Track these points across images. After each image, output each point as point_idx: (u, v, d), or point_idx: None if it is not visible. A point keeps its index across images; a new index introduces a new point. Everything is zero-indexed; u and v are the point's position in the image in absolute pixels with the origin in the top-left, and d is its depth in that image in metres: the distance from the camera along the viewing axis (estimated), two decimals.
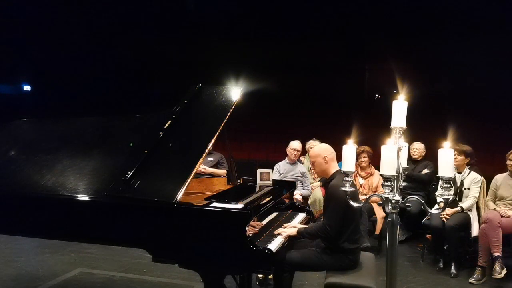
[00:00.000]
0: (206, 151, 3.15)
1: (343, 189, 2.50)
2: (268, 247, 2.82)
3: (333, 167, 3.34)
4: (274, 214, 3.57)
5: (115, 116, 3.73)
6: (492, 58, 10.43)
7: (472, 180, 4.84)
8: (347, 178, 2.48)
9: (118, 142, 3.44)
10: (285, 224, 3.41)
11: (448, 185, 2.26)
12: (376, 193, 4.37)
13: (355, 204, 2.54)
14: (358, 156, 5.51)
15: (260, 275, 4.15)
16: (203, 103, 3.50)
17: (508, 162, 4.69)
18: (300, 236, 3.28)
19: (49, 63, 13.04)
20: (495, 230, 4.43)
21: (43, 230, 3.16)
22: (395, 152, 2.34)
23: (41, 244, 5.27)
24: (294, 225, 3.40)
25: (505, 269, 4.33)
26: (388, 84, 10.95)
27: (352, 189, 2.52)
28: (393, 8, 10.54)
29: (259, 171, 4.29)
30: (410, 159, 5.79)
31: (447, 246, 4.81)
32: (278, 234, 3.20)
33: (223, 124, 3.25)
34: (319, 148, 3.42)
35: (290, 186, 4.19)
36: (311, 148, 6.04)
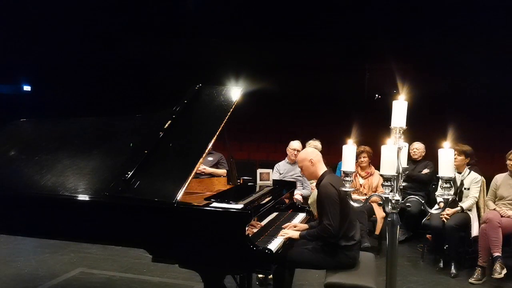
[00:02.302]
0: (206, 151, 3.15)
1: (343, 189, 2.50)
2: (268, 247, 2.82)
3: (321, 169, 3.39)
4: (274, 214, 3.57)
5: (115, 116, 3.73)
6: (492, 58, 10.44)
7: (472, 180, 4.84)
8: (347, 178, 2.48)
9: (118, 142, 3.43)
10: (286, 224, 3.41)
11: (448, 185, 2.26)
12: (376, 193, 4.38)
13: (355, 204, 2.54)
14: (358, 156, 5.51)
15: (260, 275, 4.15)
16: (203, 103, 3.50)
17: (508, 162, 4.69)
18: (301, 239, 3.28)
19: (49, 63, 13.04)
20: (495, 230, 4.43)
21: (43, 230, 3.16)
22: (395, 152, 2.34)
23: (41, 244, 5.27)
24: (295, 224, 3.41)
25: (505, 269, 4.33)
26: (388, 84, 10.95)
27: (352, 189, 2.52)
28: (393, 8, 10.54)
29: (259, 171, 4.29)
30: (410, 159, 5.79)
31: (447, 246, 4.81)
32: (279, 235, 3.20)
33: (223, 124, 3.25)
34: (305, 153, 3.50)
35: (290, 186, 4.19)
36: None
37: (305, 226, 3.48)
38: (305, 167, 3.43)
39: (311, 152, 3.47)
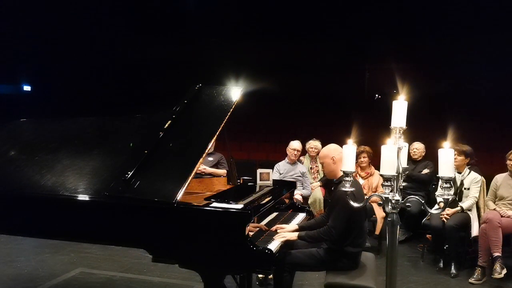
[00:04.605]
0: (206, 151, 3.15)
1: (343, 188, 2.50)
2: (268, 247, 2.82)
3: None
4: (274, 214, 3.57)
5: (115, 116, 3.73)
6: (492, 58, 10.44)
7: (472, 180, 4.83)
8: (347, 178, 2.48)
9: (118, 142, 3.43)
10: (282, 225, 3.34)
11: (448, 185, 2.26)
12: (376, 193, 4.38)
13: (355, 204, 2.54)
14: (358, 156, 5.51)
15: (260, 275, 4.15)
16: (203, 103, 3.50)
17: (508, 162, 4.69)
18: (300, 240, 3.25)
19: (49, 63, 13.04)
20: (495, 230, 4.43)
21: (43, 230, 3.16)
22: (395, 152, 2.34)
23: (41, 244, 5.27)
24: (282, 226, 3.31)
25: (505, 269, 4.33)
26: (388, 84, 10.97)
27: (352, 189, 2.51)
28: (393, 9, 10.55)
29: (259, 171, 4.28)
30: (410, 159, 5.78)
31: (447, 246, 4.81)
32: (277, 239, 3.11)
33: (223, 124, 3.24)
34: (328, 149, 3.37)
35: (290, 186, 4.18)
36: (311, 148, 6.05)
37: (295, 226, 3.38)
38: (326, 164, 3.33)
39: (334, 150, 3.31)
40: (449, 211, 4.75)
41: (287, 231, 3.25)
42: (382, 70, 12.03)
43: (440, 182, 2.30)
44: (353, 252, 3.19)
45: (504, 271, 4.31)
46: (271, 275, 3.77)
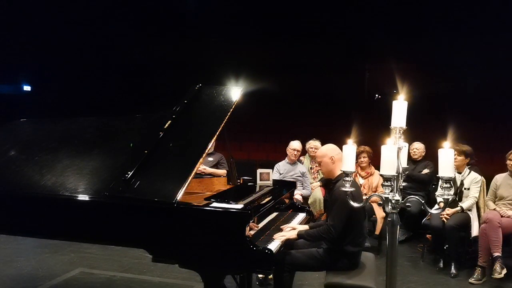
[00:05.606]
0: (206, 151, 3.15)
1: (343, 189, 2.50)
2: (268, 247, 2.82)
3: (340, 168, 3.27)
4: (274, 214, 3.56)
5: (115, 116, 3.73)
6: (491, 59, 10.44)
7: (472, 180, 4.84)
8: (347, 178, 2.48)
9: (118, 142, 3.43)
10: (284, 226, 3.36)
11: (448, 185, 2.26)
12: (376, 193, 4.37)
13: (355, 204, 2.54)
14: (358, 156, 5.51)
15: (260, 275, 4.15)
16: (203, 103, 3.50)
17: (508, 162, 4.69)
18: (300, 238, 3.26)
19: (49, 63, 13.04)
20: (495, 230, 4.43)
21: (43, 230, 3.16)
22: (395, 152, 2.34)
23: (41, 244, 5.27)
24: (293, 227, 3.35)
25: (505, 269, 4.33)
26: (388, 84, 10.97)
27: (352, 189, 2.51)
28: (393, 8, 10.55)
29: (259, 171, 4.28)
30: (410, 159, 5.78)
31: (447, 246, 4.82)
32: (277, 238, 3.13)
33: (223, 124, 3.24)
34: (326, 148, 3.40)
35: (290, 186, 4.18)
36: (311, 148, 6.05)
37: (305, 227, 3.40)
38: (324, 163, 3.34)
39: (332, 149, 3.34)
40: (449, 211, 4.75)
41: (288, 230, 3.27)
42: (382, 70, 12.02)
43: (440, 182, 2.30)
44: (353, 251, 3.19)
45: (504, 271, 4.32)
46: (271, 275, 3.77)
